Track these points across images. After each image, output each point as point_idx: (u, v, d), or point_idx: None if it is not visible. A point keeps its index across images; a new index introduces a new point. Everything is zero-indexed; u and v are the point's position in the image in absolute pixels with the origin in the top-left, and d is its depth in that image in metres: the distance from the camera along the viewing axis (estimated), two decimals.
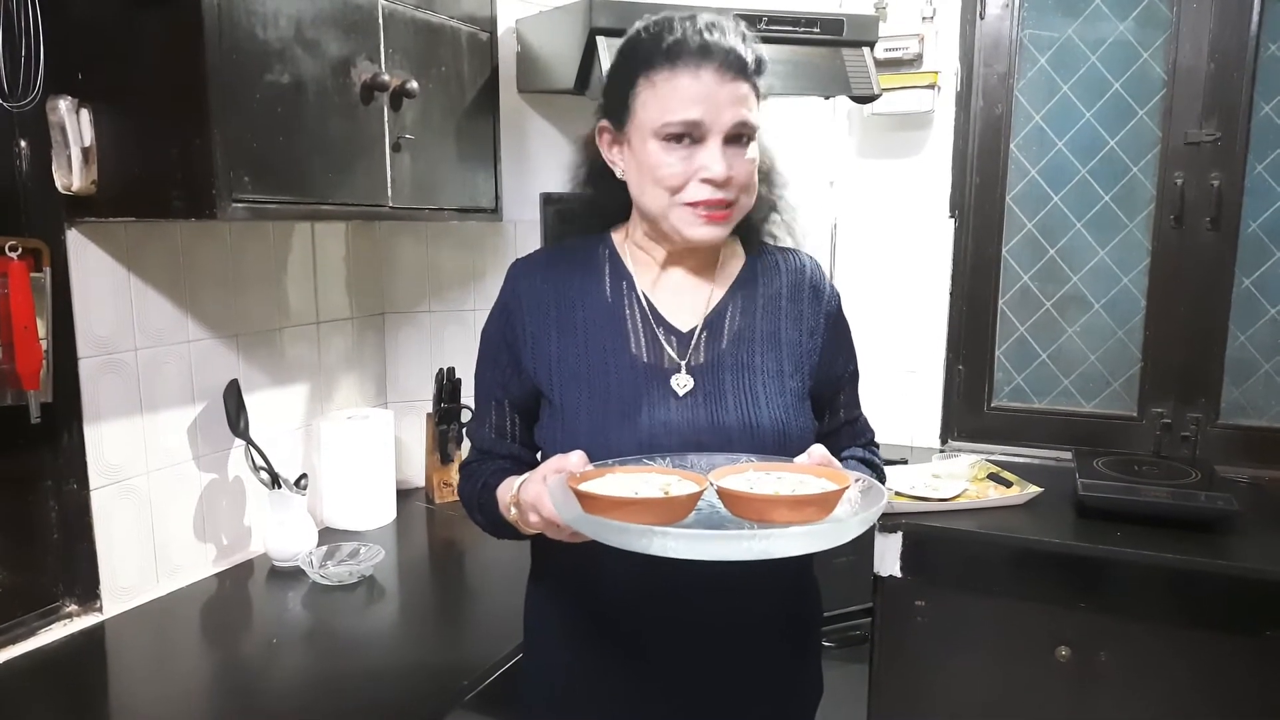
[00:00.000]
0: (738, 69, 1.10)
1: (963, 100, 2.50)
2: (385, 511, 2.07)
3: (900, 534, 2.02)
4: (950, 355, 2.60)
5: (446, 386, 2.16)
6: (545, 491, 1.01)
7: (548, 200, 2.26)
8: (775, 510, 0.94)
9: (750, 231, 1.27)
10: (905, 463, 2.36)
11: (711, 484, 0.99)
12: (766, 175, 1.25)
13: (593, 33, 1.81)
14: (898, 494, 2.09)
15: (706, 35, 1.10)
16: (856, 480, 1.04)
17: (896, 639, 2.07)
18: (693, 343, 1.18)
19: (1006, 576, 1.96)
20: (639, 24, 1.16)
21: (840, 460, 1.16)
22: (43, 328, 1.40)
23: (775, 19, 1.94)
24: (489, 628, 1.55)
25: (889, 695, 2.10)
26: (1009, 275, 2.55)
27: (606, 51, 1.78)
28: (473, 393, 1.29)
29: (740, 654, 1.21)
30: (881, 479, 1.28)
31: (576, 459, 1.03)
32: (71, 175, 1.39)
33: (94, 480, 1.52)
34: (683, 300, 1.21)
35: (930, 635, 2.04)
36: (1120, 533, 1.93)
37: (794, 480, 1.00)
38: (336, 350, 2.09)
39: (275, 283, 1.90)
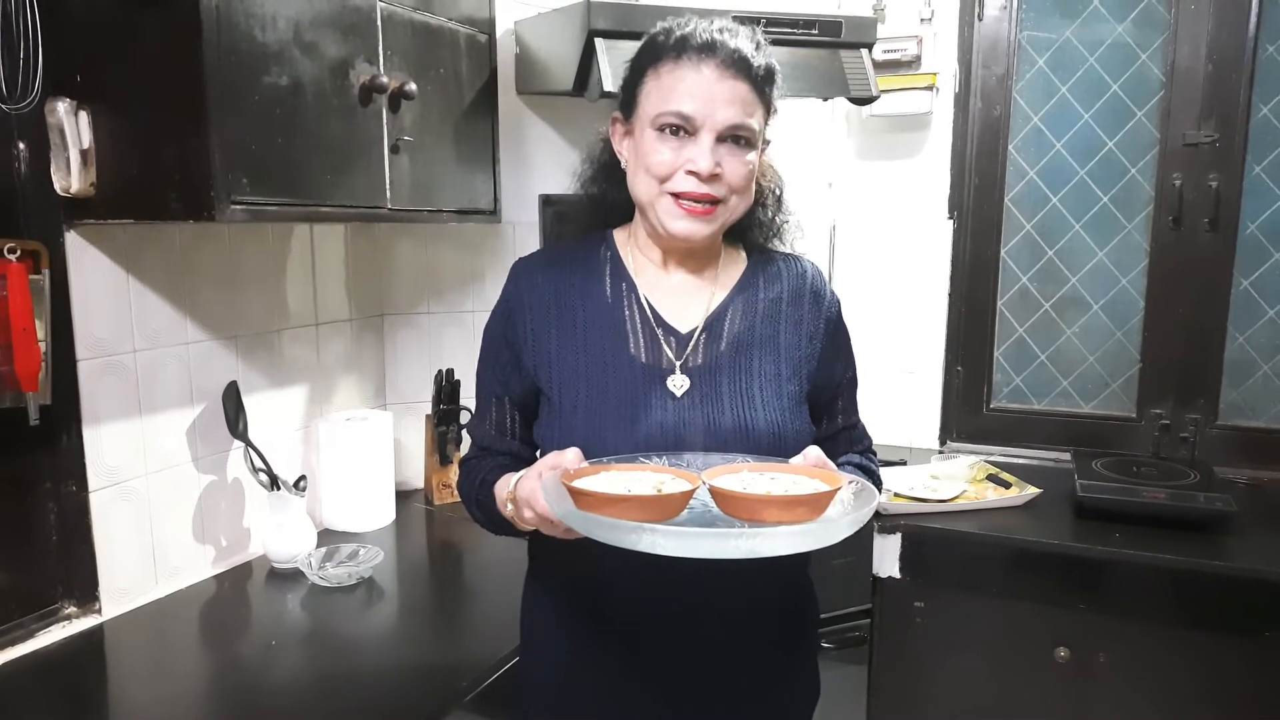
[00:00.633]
0: (740, 69, 1.11)
1: (961, 102, 2.50)
2: (384, 513, 2.07)
3: (899, 535, 2.03)
4: (949, 356, 2.60)
5: (445, 388, 2.17)
6: (540, 488, 1.02)
7: (546, 202, 2.26)
8: (766, 510, 0.94)
9: (751, 239, 1.28)
10: (904, 464, 2.36)
11: (704, 483, 0.99)
12: (777, 200, 1.26)
13: (591, 35, 1.81)
14: (896, 495, 2.09)
15: (716, 34, 1.12)
16: (850, 482, 1.04)
17: (895, 640, 2.07)
18: (691, 344, 1.19)
19: (1005, 577, 1.96)
20: (661, 23, 1.17)
21: (836, 466, 1.16)
22: (41, 330, 1.40)
23: (773, 20, 1.94)
24: (488, 629, 1.55)
25: (888, 696, 2.10)
26: (1008, 276, 2.55)
27: (605, 53, 1.79)
28: (473, 390, 1.30)
29: (736, 653, 1.21)
30: (878, 485, 1.28)
31: (572, 456, 1.04)
32: (70, 177, 1.39)
33: (93, 482, 1.53)
34: (683, 302, 1.22)
35: (929, 636, 2.04)
36: (1119, 534, 1.93)
37: (787, 481, 1.00)
38: (335, 352, 2.09)
39: (274, 284, 1.90)
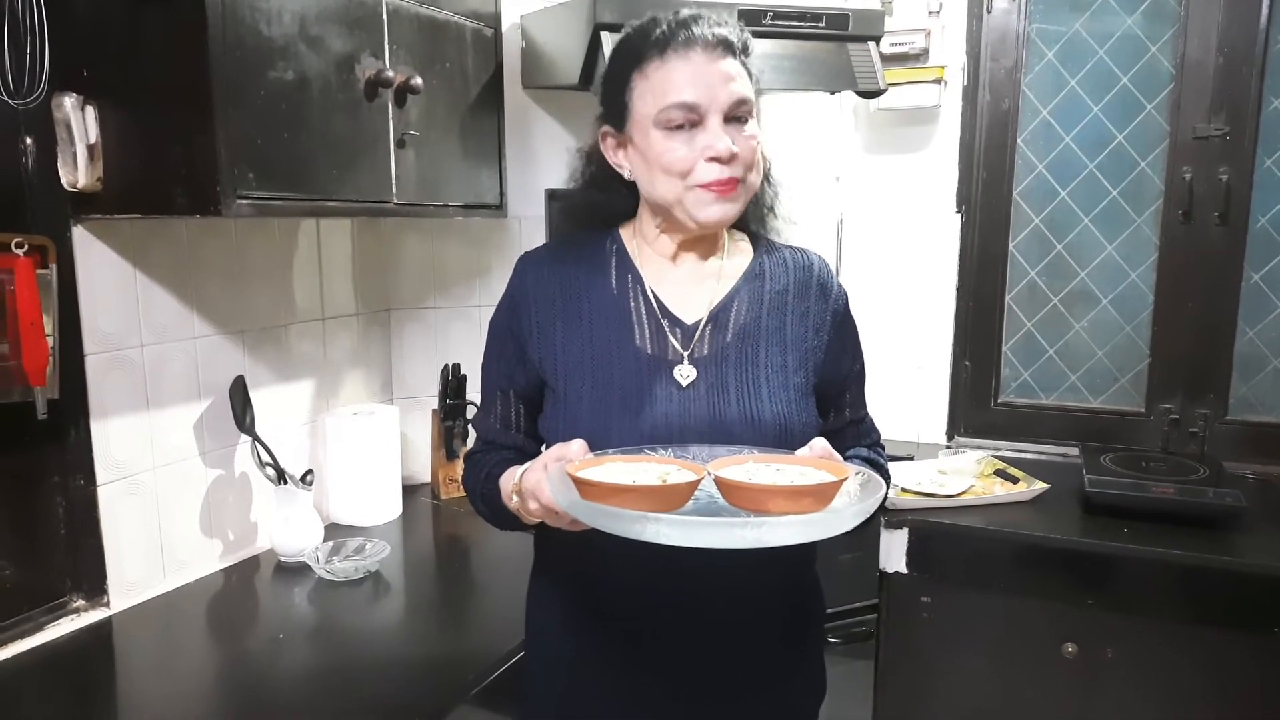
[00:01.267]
0: (725, 48, 1.13)
1: (969, 95, 2.49)
2: (391, 507, 2.08)
3: (906, 530, 2.02)
4: (957, 351, 2.59)
5: (452, 382, 2.17)
6: (545, 479, 1.02)
7: (553, 196, 2.26)
8: (772, 500, 0.94)
9: (748, 224, 1.27)
10: (911, 459, 2.36)
11: (709, 473, 0.99)
12: (766, 174, 1.25)
13: (597, 28, 1.81)
14: (904, 490, 2.09)
15: (691, 24, 1.12)
16: (856, 473, 1.03)
17: (902, 635, 2.07)
18: (697, 334, 1.19)
19: (1013, 573, 1.95)
20: (625, 28, 1.18)
21: (844, 459, 1.16)
22: (49, 324, 1.41)
23: (780, 14, 1.94)
24: (494, 623, 1.55)
25: (894, 691, 2.10)
26: (1016, 271, 2.54)
27: (611, 47, 1.78)
28: (479, 384, 1.30)
29: (742, 648, 1.21)
30: (886, 479, 1.27)
31: (577, 447, 1.04)
32: (77, 172, 1.39)
33: (101, 476, 1.53)
34: (688, 293, 1.21)
35: (936, 632, 2.03)
36: (1127, 529, 1.91)
37: (794, 472, 1.00)
38: (342, 346, 2.10)
39: (281, 279, 1.91)
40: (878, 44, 2.07)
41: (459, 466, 2.15)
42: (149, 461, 1.62)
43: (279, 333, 1.91)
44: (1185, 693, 1.84)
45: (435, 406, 2.20)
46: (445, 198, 1.82)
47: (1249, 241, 2.28)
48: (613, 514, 0.91)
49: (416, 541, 1.98)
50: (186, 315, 1.68)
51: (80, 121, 1.38)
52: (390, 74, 1.59)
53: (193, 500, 1.72)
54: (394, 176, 1.65)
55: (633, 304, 1.20)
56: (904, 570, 2.03)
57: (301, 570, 1.75)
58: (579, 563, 1.20)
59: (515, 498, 1.11)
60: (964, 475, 2.18)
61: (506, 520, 1.19)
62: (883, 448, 1.34)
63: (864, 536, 1.97)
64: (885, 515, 2.03)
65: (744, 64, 1.15)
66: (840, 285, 1.28)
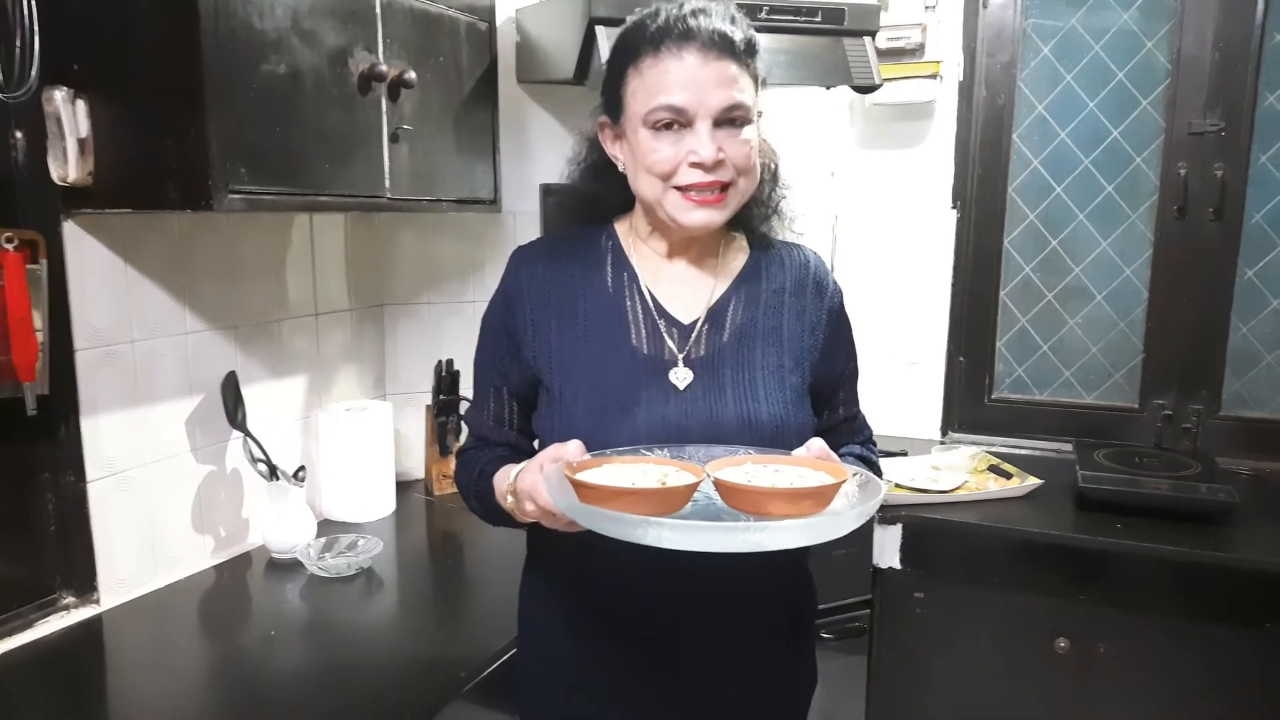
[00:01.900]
0: (723, 49, 1.09)
1: (965, 90, 2.49)
2: (384, 503, 2.07)
3: (900, 526, 2.02)
4: (951, 346, 2.59)
5: (446, 378, 2.16)
6: (541, 480, 1.01)
7: (547, 191, 2.25)
8: (771, 503, 0.93)
9: (752, 228, 1.26)
10: (905, 454, 2.36)
11: (708, 475, 0.98)
12: (773, 175, 1.24)
13: (592, 22, 1.79)
14: (897, 485, 2.09)
15: (690, 20, 1.09)
16: (855, 475, 1.03)
17: (896, 631, 2.07)
18: (693, 336, 1.18)
19: (1006, 568, 1.95)
20: (630, 18, 1.15)
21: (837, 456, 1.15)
22: (39, 319, 1.39)
23: (776, 8, 1.93)
24: (488, 619, 1.55)
25: (888, 686, 2.10)
26: (1011, 266, 2.54)
27: (606, 41, 1.77)
28: (472, 380, 1.29)
29: (734, 645, 1.21)
30: (877, 476, 1.27)
31: (574, 448, 1.03)
32: (67, 166, 1.38)
33: (91, 472, 1.52)
34: (685, 293, 1.21)
35: (929, 627, 2.04)
36: (1120, 524, 1.92)
37: (792, 473, 0.99)
38: (335, 342, 2.08)
39: (273, 274, 1.89)
40: (873, 39, 2.06)
41: (452, 462, 2.14)
42: (140, 457, 1.61)
43: (271, 328, 1.89)
44: (1178, 687, 1.85)
45: (429, 402, 2.20)
46: (439, 192, 1.81)
47: (1243, 237, 2.29)
48: (613, 518, 0.91)
49: (409, 538, 1.97)
50: (178, 310, 1.67)
51: (71, 115, 1.36)
52: (384, 68, 1.58)
53: (184, 496, 1.71)
54: (388, 171, 1.64)
55: (629, 303, 1.19)
56: (897, 566, 2.04)
57: (294, 567, 1.75)
58: (574, 561, 1.20)
59: (510, 498, 1.10)
60: (958, 471, 2.18)
61: (499, 517, 1.18)
62: (874, 444, 1.34)
63: (858, 533, 1.96)
64: (879, 511, 2.02)
65: (746, 65, 1.11)
66: (835, 282, 1.27)
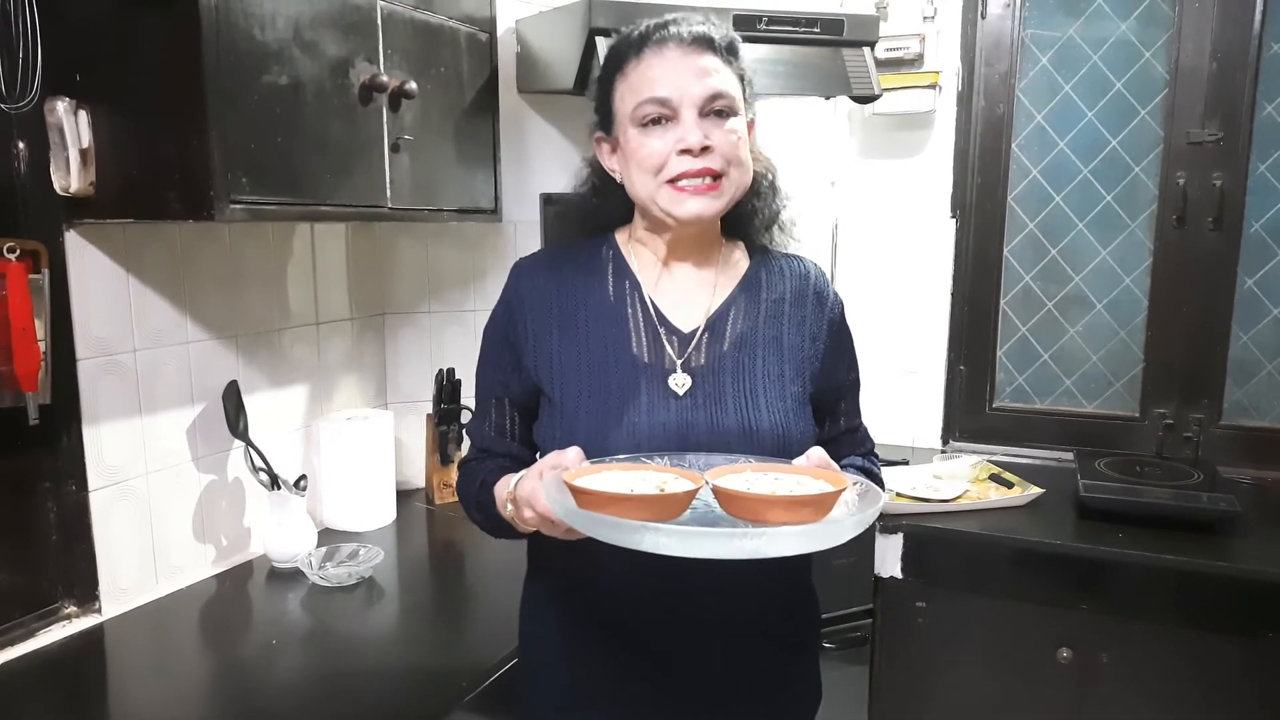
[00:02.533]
0: (703, 44, 1.13)
1: (964, 100, 2.50)
2: (385, 513, 2.07)
3: (901, 535, 2.02)
4: (952, 355, 2.60)
5: (446, 387, 2.16)
6: (540, 487, 1.01)
7: (548, 201, 2.25)
8: (771, 510, 0.93)
9: (752, 237, 1.27)
10: (906, 463, 2.36)
11: (707, 483, 0.98)
12: (771, 186, 1.25)
13: (592, 33, 1.81)
14: (899, 495, 2.09)
15: (671, 26, 1.14)
16: (855, 483, 1.03)
17: (897, 640, 2.07)
18: (693, 343, 1.18)
19: (1008, 578, 1.95)
20: (614, 37, 1.19)
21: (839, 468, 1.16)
22: (41, 329, 1.40)
23: (775, 19, 1.94)
24: (488, 629, 1.55)
25: (889, 696, 2.10)
26: (1010, 275, 2.54)
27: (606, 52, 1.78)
28: (473, 391, 1.29)
29: (738, 655, 1.21)
30: (881, 488, 1.27)
31: (573, 455, 1.03)
32: (70, 177, 1.38)
33: (93, 482, 1.52)
34: (685, 301, 1.21)
35: (931, 636, 2.03)
36: (1122, 534, 1.92)
37: (791, 481, 0.99)
38: (336, 351, 2.09)
39: (275, 284, 1.90)
40: (873, 49, 2.07)
41: (453, 472, 2.14)
42: (141, 467, 1.61)
43: (273, 338, 1.90)
44: (1179, 697, 1.84)
45: (430, 411, 2.20)
46: (440, 202, 1.82)
47: (1243, 246, 2.29)
48: (611, 523, 0.91)
49: (410, 547, 1.97)
50: (180, 320, 1.67)
51: (73, 126, 1.37)
52: (385, 78, 1.58)
53: (185, 506, 1.71)
54: (388, 181, 1.65)
55: (630, 311, 1.20)
56: (899, 575, 2.03)
57: (295, 576, 1.75)
58: (574, 571, 1.20)
59: (510, 506, 1.10)
60: (959, 480, 2.18)
61: (501, 529, 1.18)
62: (877, 456, 1.34)
63: (859, 542, 1.96)
64: (880, 520, 2.03)
65: (728, 62, 1.15)
66: (836, 293, 1.28)
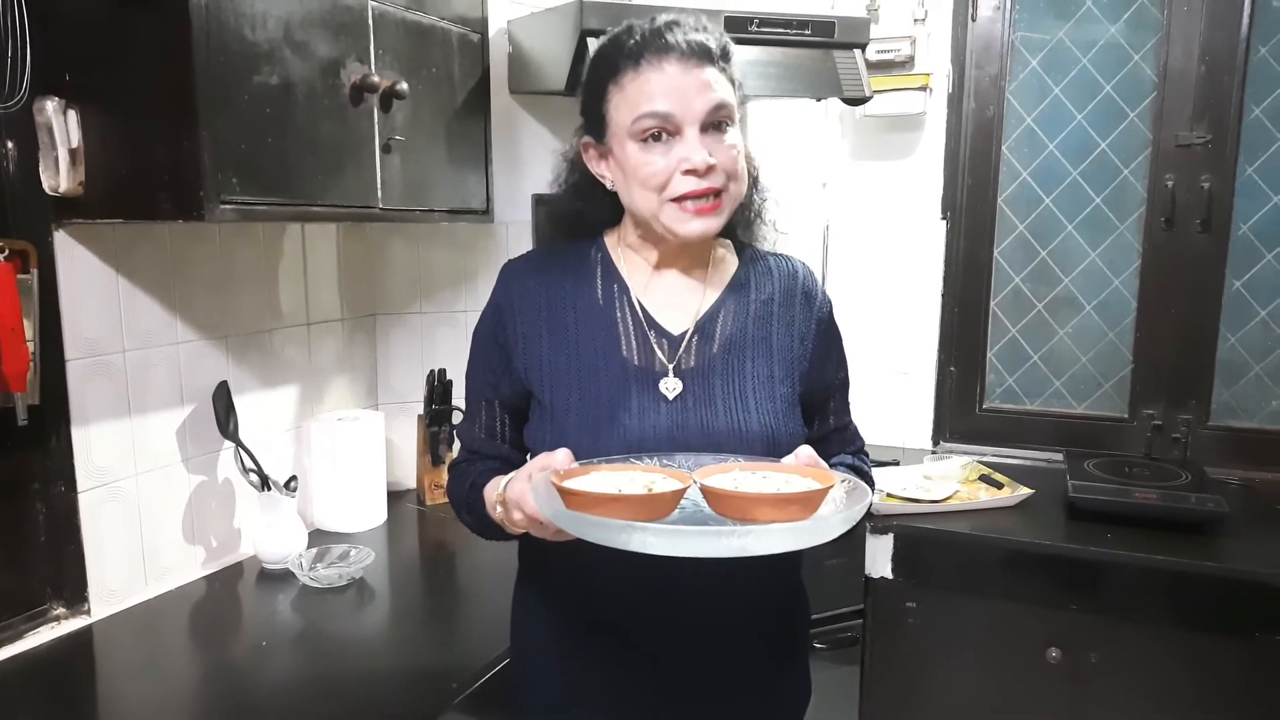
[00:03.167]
0: (701, 56, 1.11)
1: (954, 102, 2.50)
2: (376, 513, 2.07)
3: (891, 535, 2.03)
4: (942, 357, 2.60)
5: (438, 388, 2.16)
6: (529, 489, 1.01)
7: (539, 202, 2.26)
8: (758, 508, 0.93)
9: (736, 232, 1.27)
10: (897, 464, 2.36)
11: (695, 482, 0.98)
12: (753, 181, 1.25)
13: (584, 34, 1.81)
14: (889, 495, 2.09)
15: (665, 32, 1.11)
16: (842, 480, 1.03)
17: (888, 641, 2.07)
18: (683, 346, 1.18)
19: (998, 578, 1.96)
20: (601, 39, 1.17)
21: (829, 466, 1.16)
22: (30, 329, 1.39)
23: (766, 21, 1.95)
24: (479, 630, 1.55)
25: (880, 697, 2.10)
26: (1000, 277, 2.55)
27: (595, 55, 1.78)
28: (463, 393, 1.29)
29: (728, 655, 1.21)
30: (870, 486, 1.28)
31: (562, 457, 1.03)
32: (59, 176, 1.38)
33: (82, 483, 1.52)
34: (675, 303, 1.21)
35: (921, 637, 2.04)
36: (1111, 534, 1.93)
37: (779, 479, 1.00)
38: (327, 352, 2.08)
39: (265, 284, 1.90)
40: (863, 51, 2.08)
41: (444, 472, 2.14)
42: (131, 468, 1.61)
43: (263, 338, 1.89)
44: (1169, 696, 1.85)
45: (421, 412, 2.20)
46: (431, 203, 1.82)
47: (1231, 248, 2.30)
48: (598, 524, 0.91)
49: (401, 548, 1.97)
50: (170, 320, 1.67)
51: (62, 125, 1.36)
52: (376, 79, 1.58)
53: (175, 507, 1.71)
54: (380, 181, 1.65)
55: (619, 314, 1.20)
56: (889, 576, 2.04)
57: (285, 577, 1.74)
58: (564, 571, 1.20)
59: (500, 508, 1.10)
60: (949, 481, 2.19)
61: (491, 530, 1.18)
62: (867, 454, 1.34)
63: (849, 542, 1.98)
64: (870, 521, 2.03)
65: (723, 70, 1.13)
66: (825, 293, 1.28)
